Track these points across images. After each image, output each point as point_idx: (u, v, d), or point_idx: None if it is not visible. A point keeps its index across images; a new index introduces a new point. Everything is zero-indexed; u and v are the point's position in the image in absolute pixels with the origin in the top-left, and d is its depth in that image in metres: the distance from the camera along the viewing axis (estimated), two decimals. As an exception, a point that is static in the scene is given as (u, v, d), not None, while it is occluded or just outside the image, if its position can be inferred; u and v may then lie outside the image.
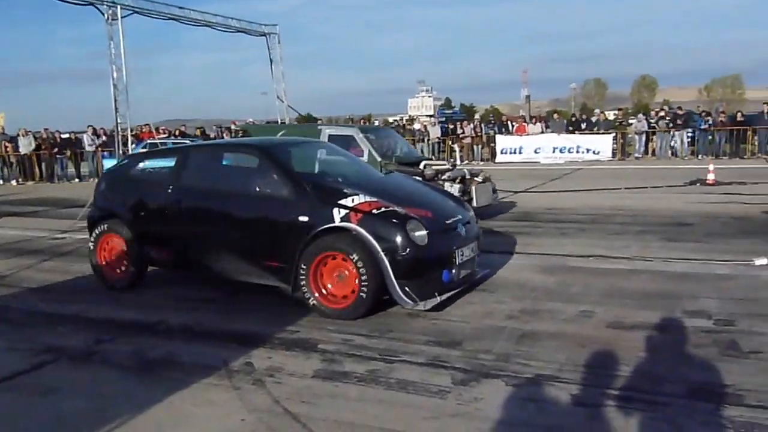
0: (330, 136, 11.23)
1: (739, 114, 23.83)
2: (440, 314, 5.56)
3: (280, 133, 12.99)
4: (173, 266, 6.92)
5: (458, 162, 13.81)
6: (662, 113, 25.68)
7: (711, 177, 14.75)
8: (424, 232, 5.50)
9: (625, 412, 3.65)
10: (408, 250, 5.41)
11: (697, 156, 22.68)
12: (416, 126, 30.00)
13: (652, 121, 24.83)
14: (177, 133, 24.90)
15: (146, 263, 6.83)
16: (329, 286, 5.65)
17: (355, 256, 5.43)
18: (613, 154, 24.18)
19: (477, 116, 46.28)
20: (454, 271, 5.71)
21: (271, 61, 14.82)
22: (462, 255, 5.84)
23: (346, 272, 5.56)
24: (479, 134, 26.77)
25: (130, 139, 10.67)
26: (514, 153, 25.24)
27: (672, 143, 23.98)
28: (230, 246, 6.17)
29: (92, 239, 6.97)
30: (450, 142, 26.17)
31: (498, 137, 26.13)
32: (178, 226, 6.48)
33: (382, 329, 5.27)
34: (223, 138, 25.34)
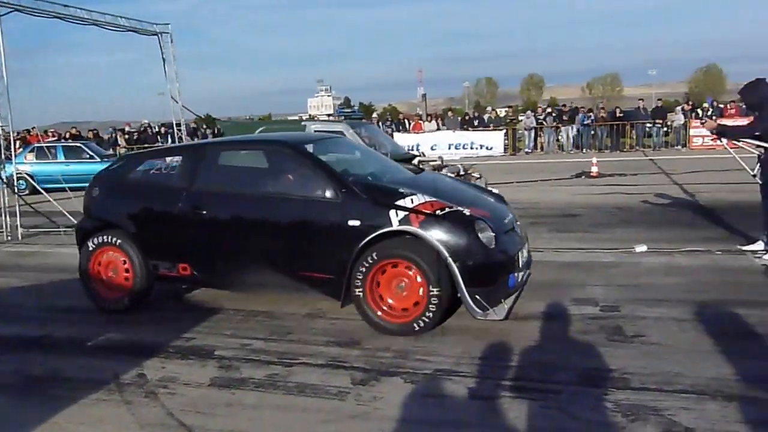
0: (316, 132, 10.26)
1: (618, 110, 24.99)
2: (339, 314, 5.42)
3: (259, 130, 12.43)
4: (191, 281, 5.88)
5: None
6: (549, 110, 26.60)
7: (594, 170, 15.36)
8: (492, 234, 4.87)
9: (520, 402, 3.65)
10: (479, 254, 4.77)
11: (582, 150, 23.60)
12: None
13: (540, 117, 25.67)
14: (68, 135, 23.65)
15: (153, 280, 5.82)
16: (387, 298, 4.92)
17: (420, 264, 4.73)
18: (505, 150, 24.88)
19: (375, 115, 46.46)
20: (517, 274, 5.04)
21: (164, 60, 14.18)
22: (522, 256, 5.22)
23: (407, 282, 4.86)
24: (377, 132, 26.83)
25: (13, 143, 9.95)
26: (412, 150, 25.43)
27: (558, 138, 24.89)
28: (263, 256, 5.34)
29: (83, 253, 5.91)
30: (350, 141, 26.09)
31: (396, 135, 26.29)
32: (197, 235, 5.54)
33: (281, 332, 5.10)
34: (117, 140, 24.31)
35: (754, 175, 6.88)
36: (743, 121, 12.50)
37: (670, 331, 4.60)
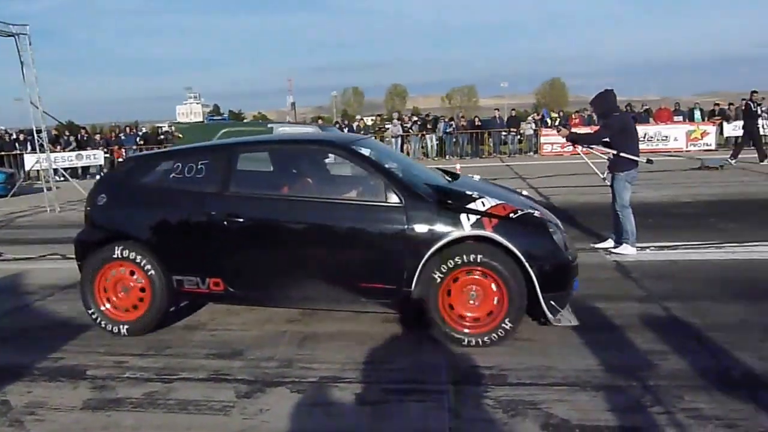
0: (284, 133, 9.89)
1: (476, 119, 25.97)
2: (219, 324, 5.21)
3: (220, 132, 10.46)
4: (222, 298, 5.04)
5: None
6: (415, 119, 27.19)
7: (458, 175, 15.81)
8: (562, 236, 4.67)
9: (406, 405, 3.64)
10: (554, 257, 4.53)
11: (445, 156, 24.30)
12: (185, 133, 28.69)
13: (406, 126, 26.17)
14: None
15: (175, 298, 5.10)
16: (458, 307, 4.54)
17: (500, 270, 4.40)
18: (374, 157, 25.13)
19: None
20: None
21: (22, 64, 13.06)
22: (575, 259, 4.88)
23: (479, 290, 4.51)
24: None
25: None
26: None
27: (423, 146, 25.50)
28: (315, 267, 4.76)
29: (86, 270, 5.09)
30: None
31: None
32: (233, 245, 4.84)
33: (158, 346, 4.79)
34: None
35: (604, 179, 7.33)
36: (589, 129, 13.38)
37: (539, 327, 4.76)
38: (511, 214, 4.58)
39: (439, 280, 4.47)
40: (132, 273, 5.01)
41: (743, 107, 18.36)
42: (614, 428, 3.30)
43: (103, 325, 5.04)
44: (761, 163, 16.28)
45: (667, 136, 22.16)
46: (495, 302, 4.47)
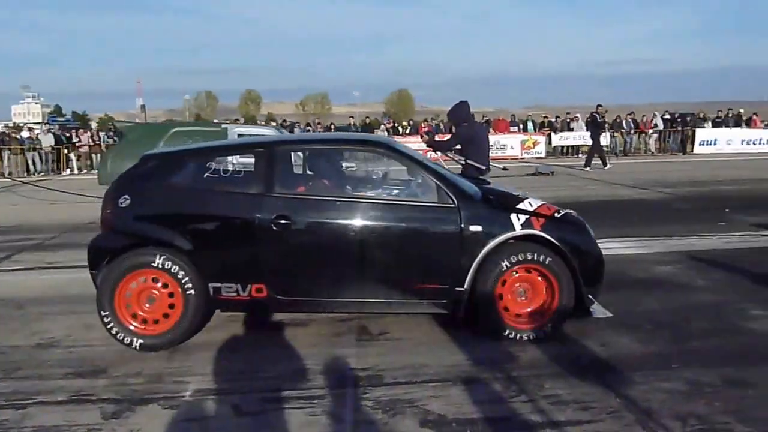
0: (240, 135, 9.15)
1: (332, 125, 26.11)
2: (77, 341, 4.79)
3: (170, 133, 9.39)
4: (263, 305, 4.62)
5: (76, 171, 12.02)
6: (274, 124, 26.85)
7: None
8: (593, 233, 4.82)
9: (287, 413, 3.54)
10: (593, 253, 4.68)
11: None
12: (24, 134, 26.20)
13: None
14: None
15: (210, 308, 4.63)
16: (511, 305, 4.58)
17: (553, 268, 4.48)
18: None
19: (93, 124, 42.58)
20: None
21: None
22: None
23: (527, 287, 4.60)
24: (97, 143, 24.59)
25: None
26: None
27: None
28: (368, 270, 4.53)
29: (107, 280, 4.47)
30: (66, 151, 23.52)
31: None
32: (280, 249, 4.47)
33: (7, 368, 4.30)
34: None
35: None
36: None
37: (409, 325, 4.84)
38: (555, 214, 4.73)
39: (497, 278, 4.49)
40: (159, 280, 4.51)
41: (590, 119, 20.09)
42: (486, 419, 3.41)
43: (121, 339, 4.48)
44: (586, 170, 17.77)
45: (504, 145, 23.80)
46: (545, 298, 4.59)
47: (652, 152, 24.74)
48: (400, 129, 25.69)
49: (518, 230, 4.53)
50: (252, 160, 4.76)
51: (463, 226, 4.48)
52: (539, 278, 4.59)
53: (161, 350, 4.48)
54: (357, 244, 4.52)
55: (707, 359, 4.17)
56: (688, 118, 26.11)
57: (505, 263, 4.49)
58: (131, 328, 4.50)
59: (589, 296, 4.62)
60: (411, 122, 27.71)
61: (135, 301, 4.52)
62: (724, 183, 14.44)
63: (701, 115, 26.51)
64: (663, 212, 10.41)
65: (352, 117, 26.85)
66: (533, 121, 26.54)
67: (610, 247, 7.52)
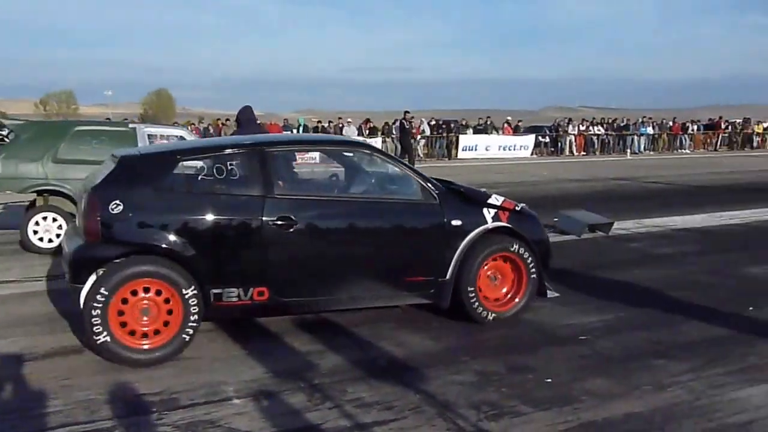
0: (150, 136, 8.68)
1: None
2: None
3: (72, 132, 8.41)
4: (262, 308, 4.68)
5: None
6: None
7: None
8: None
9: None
10: (545, 240, 5.49)
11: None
12: None
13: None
14: None
15: (208, 314, 4.52)
16: (485, 290, 5.18)
17: (523, 254, 5.18)
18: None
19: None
20: None
21: None
22: None
23: (500, 273, 5.27)
24: None
25: None
26: None
27: None
28: (363, 266, 4.86)
29: (94, 293, 4.17)
30: None
31: None
32: (283, 250, 4.61)
33: None
34: None
35: None
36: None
37: (201, 344, 4.68)
38: (516, 207, 5.37)
39: (480, 267, 5.04)
40: (157, 291, 4.31)
41: (399, 125, 21.83)
42: (295, 431, 3.45)
43: (114, 354, 4.23)
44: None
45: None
46: (512, 282, 5.26)
47: (420, 157, 26.66)
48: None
49: (490, 223, 5.12)
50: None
51: (445, 220, 4.97)
52: (508, 265, 5.25)
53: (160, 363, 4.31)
54: (353, 241, 4.85)
55: (492, 350, 4.64)
56: (452, 125, 28.62)
57: (484, 253, 5.05)
58: (124, 342, 4.26)
59: (545, 282, 5.39)
60: (176, 124, 26.67)
61: (130, 313, 4.29)
62: (485, 186, 16.01)
63: (464, 122, 29.21)
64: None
65: (109, 118, 25.06)
66: (306, 126, 27.13)
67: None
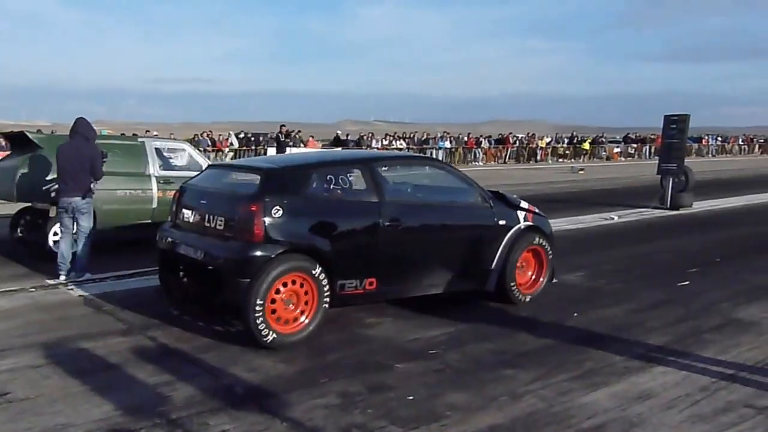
0: (157, 149, 9.55)
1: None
2: None
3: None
4: (370, 296, 5.77)
5: None
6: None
7: None
8: None
9: None
10: (553, 238, 6.98)
11: None
12: None
13: None
14: None
15: (333, 303, 5.43)
16: (518, 276, 6.55)
17: (547, 248, 6.71)
18: None
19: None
20: None
21: None
22: None
23: (524, 263, 6.64)
24: None
25: None
26: None
27: None
28: (440, 259, 6.15)
29: (257, 285, 4.97)
30: None
31: None
32: (390, 247, 5.72)
33: None
34: None
35: None
36: None
37: (34, 381, 4.25)
38: (536, 210, 6.86)
39: (518, 258, 6.45)
40: (299, 285, 5.23)
41: (275, 138, 23.96)
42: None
43: (266, 339, 5.05)
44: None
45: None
46: (533, 272, 6.73)
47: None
48: None
49: (522, 223, 6.55)
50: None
51: (495, 220, 6.37)
52: (531, 254, 6.66)
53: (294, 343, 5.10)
54: (437, 239, 6.13)
55: (348, 369, 4.72)
56: (261, 138, 28.75)
57: (522, 246, 6.48)
58: (273, 325, 5.09)
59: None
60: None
61: (280, 303, 5.15)
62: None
63: (273, 135, 29.35)
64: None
65: None
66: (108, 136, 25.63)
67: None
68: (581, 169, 29.79)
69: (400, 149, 32.15)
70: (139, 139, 10.10)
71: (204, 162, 9.95)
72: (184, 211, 5.84)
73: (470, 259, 6.30)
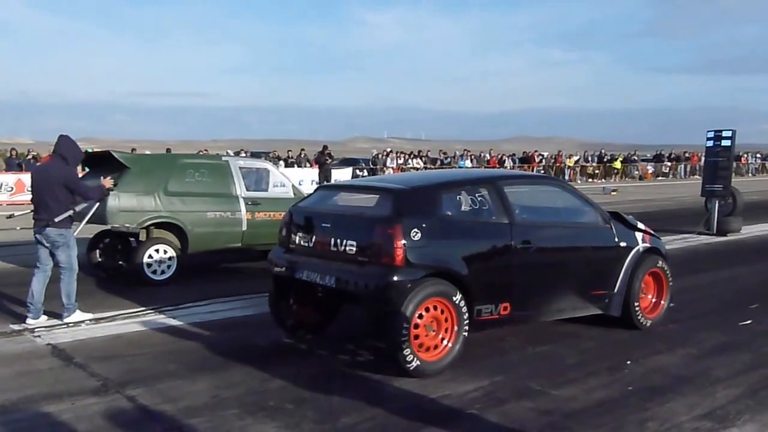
0: (241, 168, 9.79)
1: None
2: None
3: (179, 163, 9.53)
4: (503, 322, 5.83)
5: None
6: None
7: None
8: None
9: None
10: (667, 258, 7.09)
11: None
12: None
13: None
14: None
15: (471, 330, 5.50)
16: (640, 300, 6.65)
17: (665, 268, 6.87)
18: None
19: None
20: None
21: None
22: None
23: (644, 286, 6.70)
24: None
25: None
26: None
27: None
28: (568, 283, 6.21)
29: (402, 313, 5.06)
30: None
31: None
32: (523, 270, 5.82)
33: None
34: None
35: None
36: None
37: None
38: (651, 231, 6.97)
39: (637, 281, 6.48)
40: (442, 309, 5.30)
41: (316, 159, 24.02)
42: None
43: (410, 366, 5.11)
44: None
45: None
46: (656, 293, 6.83)
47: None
48: None
49: (641, 244, 6.64)
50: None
51: (616, 241, 6.45)
52: (651, 278, 6.73)
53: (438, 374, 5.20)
54: (564, 261, 6.20)
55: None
56: (263, 157, 28.29)
57: (644, 268, 6.58)
58: (417, 352, 5.16)
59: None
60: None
61: (422, 329, 5.21)
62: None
63: (275, 154, 29.00)
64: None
65: None
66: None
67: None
68: (614, 190, 29.26)
69: (417, 169, 31.71)
70: (223, 158, 10.43)
71: (288, 182, 10.37)
72: (300, 234, 5.87)
73: (595, 283, 6.38)
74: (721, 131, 14.13)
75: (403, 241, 5.17)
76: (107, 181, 7.24)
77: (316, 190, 6.88)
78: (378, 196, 5.78)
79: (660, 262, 6.77)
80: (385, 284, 5.14)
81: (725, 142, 13.98)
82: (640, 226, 6.88)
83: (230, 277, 9.16)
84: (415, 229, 5.25)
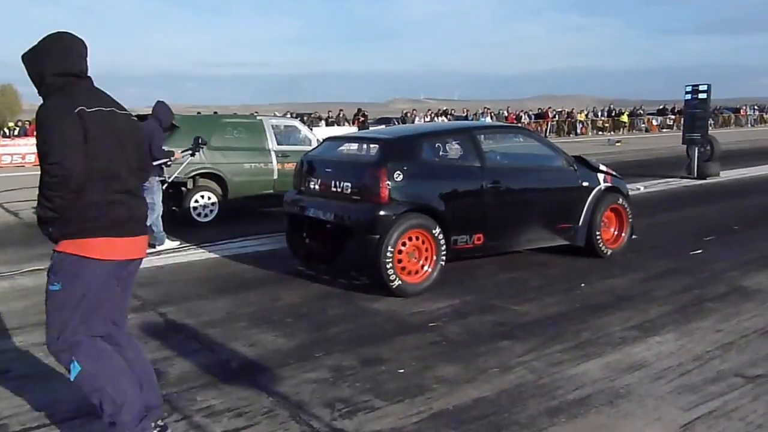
0: (274, 126, 10.24)
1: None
2: None
3: (221, 122, 10.13)
4: (477, 250, 6.13)
5: None
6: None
7: None
8: None
9: None
10: (629, 196, 7.19)
11: None
12: None
13: None
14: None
15: (449, 256, 5.80)
16: (602, 232, 6.80)
17: (626, 206, 6.94)
18: None
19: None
20: None
21: None
22: None
23: (606, 221, 6.85)
24: None
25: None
26: None
27: None
28: (538, 216, 6.44)
29: (386, 241, 5.40)
30: None
31: None
32: (493, 206, 6.09)
33: None
34: None
35: None
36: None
37: (35, 359, 4.15)
38: (613, 172, 7.08)
39: (598, 215, 6.64)
40: (423, 240, 5.62)
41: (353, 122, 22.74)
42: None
43: (393, 284, 5.44)
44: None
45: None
46: (615, 228, 6.94)
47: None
48: (6, 131, 22.30)
49: (602, 184, 6.77)
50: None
51: (579, 182, 6.63)
52: (613, 213, 6.88)
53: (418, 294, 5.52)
54: (531, 200, 6.41)
55: (345, 343, 4.48)
56: (305, 118, 28.37)
57: (605, 205, 6.72)
58: (400, 274, 5.49)
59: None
60: (20, 123, 24.30)
61: (405, 257, 5.54)
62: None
63: (317, 115, 29.04)
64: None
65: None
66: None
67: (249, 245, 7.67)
68: (618, 141, 28.78)
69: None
70: (258, 118, 10.65)
71: (313, 137, 10.53)
72: (308, 179, 6.20)
73: (561, 217, 6.59)
74: (698, 85, 13.88)
75: (388, 182, 5.51)
76: (178, 154, 7.71)
77: (323, 141, 7.24)
78: (370, 145, 6.36)
79: (620, 200, 6.91)
80: (372, 217, 5.46)
81: (702, 95, 13.74)
82: (603, 168, 7.04)
83: (262, 220, 9.49)
84: (398, 172, 5.58)
